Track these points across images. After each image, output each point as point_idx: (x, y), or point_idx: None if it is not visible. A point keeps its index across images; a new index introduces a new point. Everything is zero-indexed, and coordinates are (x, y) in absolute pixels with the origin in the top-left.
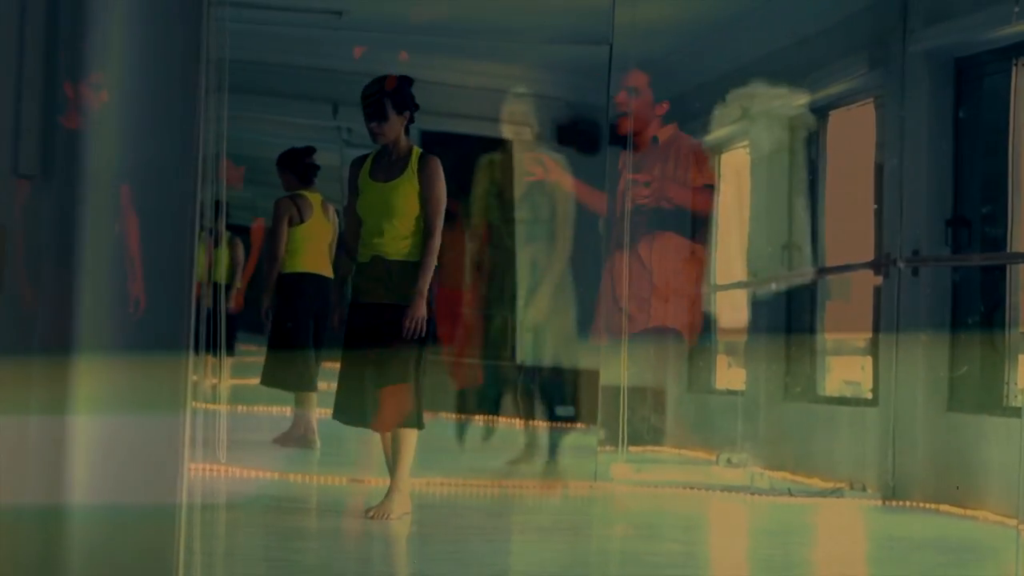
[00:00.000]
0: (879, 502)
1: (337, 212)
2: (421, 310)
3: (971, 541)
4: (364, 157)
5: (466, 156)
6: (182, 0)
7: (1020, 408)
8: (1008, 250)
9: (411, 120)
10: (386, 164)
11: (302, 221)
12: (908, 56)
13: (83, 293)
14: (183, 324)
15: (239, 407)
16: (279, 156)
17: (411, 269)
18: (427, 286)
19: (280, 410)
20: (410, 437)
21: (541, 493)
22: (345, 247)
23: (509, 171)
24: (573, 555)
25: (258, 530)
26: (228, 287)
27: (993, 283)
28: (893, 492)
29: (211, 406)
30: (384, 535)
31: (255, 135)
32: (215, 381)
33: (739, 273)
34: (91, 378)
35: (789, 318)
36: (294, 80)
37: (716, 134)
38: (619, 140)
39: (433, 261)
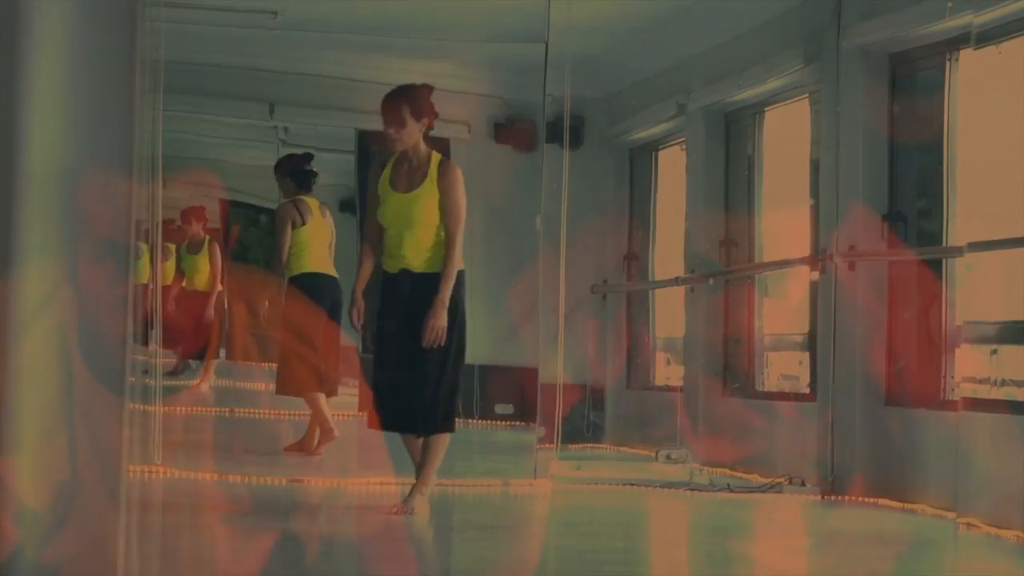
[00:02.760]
0: (818, 497)
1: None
2: (441, 319)
3: (910, 534)
4: (383, 164)
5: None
6: (116, 1)
7: (957, 401)
8: (944, 244)
9: (430, 128)
10: (406, 172)
11: (303, 223)
12: (842, 52)
13: (20, 293)
14: (120, 324)
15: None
16: (277, 162)
17: (437, 280)
18: (448, 295)
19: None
20: (443, 441)
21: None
22: (365, 250)
23: None
24: (513, 553)
25: (198, 531)
26: (208, 293)
27: (929, 277)
28: (832, 487)
29: (148, 407)
30: (325, 536)
31: (191, 135)
32: (151, 381)
33: (676, 269)
34: (30, 379)
35: (727, 314)
36: (230, 80)
37: (652, 131)
38: (557, 138)
39: (454, 270)
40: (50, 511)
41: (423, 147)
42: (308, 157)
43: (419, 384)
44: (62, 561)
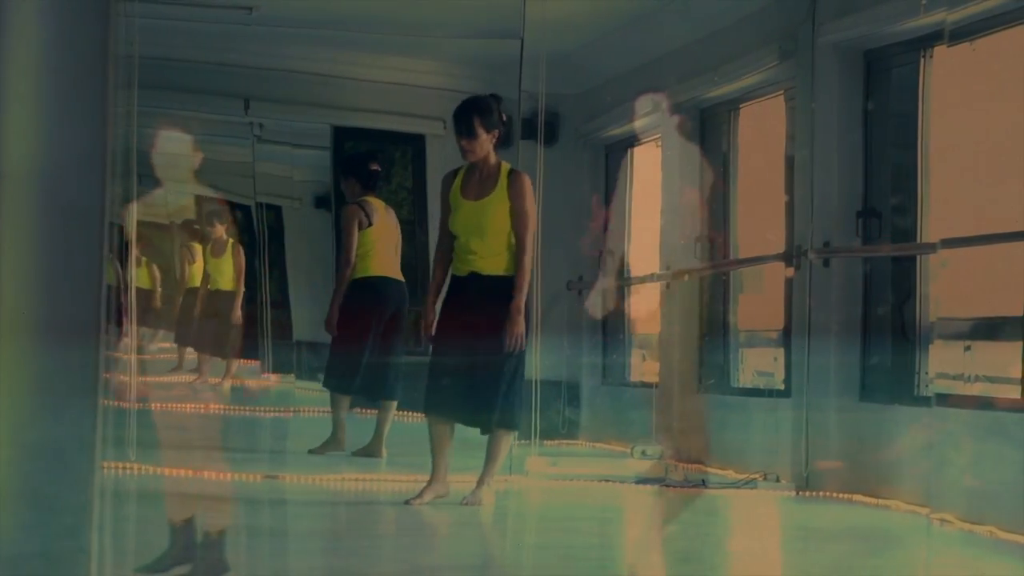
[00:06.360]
0: (793, 493)
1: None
2: (520, 326)
3: (883, 530)
4: (454, 173)
5: (379, 151)
6: None
7: (931, 398)
8: (918, 240)
9: (499, 139)
10: (477, 181)
11: (370, 224)
12: (817, 48)
13: None
14: (94, 322)
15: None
16: (342, 161)
17: (505, 283)
18: (523, 302)
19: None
20: (506, 438)
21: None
22: (437, 258)
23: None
24: (489, 549)
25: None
26: (233, 293)
27: (904, 273)
28: (806, 483)
29: (123, 404)
30: (297, 532)
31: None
32: (126, 378)
33: (652, 266)
34: (3, 377)
35: (701, 310)
36: (205, 76)
37: (627, 128)
38: (532, 134)
39: (527, 277)
40: (24, 507)
41: (493, 157)
42: (373, 156)
43: (481, 383)
44: (35, 559)
